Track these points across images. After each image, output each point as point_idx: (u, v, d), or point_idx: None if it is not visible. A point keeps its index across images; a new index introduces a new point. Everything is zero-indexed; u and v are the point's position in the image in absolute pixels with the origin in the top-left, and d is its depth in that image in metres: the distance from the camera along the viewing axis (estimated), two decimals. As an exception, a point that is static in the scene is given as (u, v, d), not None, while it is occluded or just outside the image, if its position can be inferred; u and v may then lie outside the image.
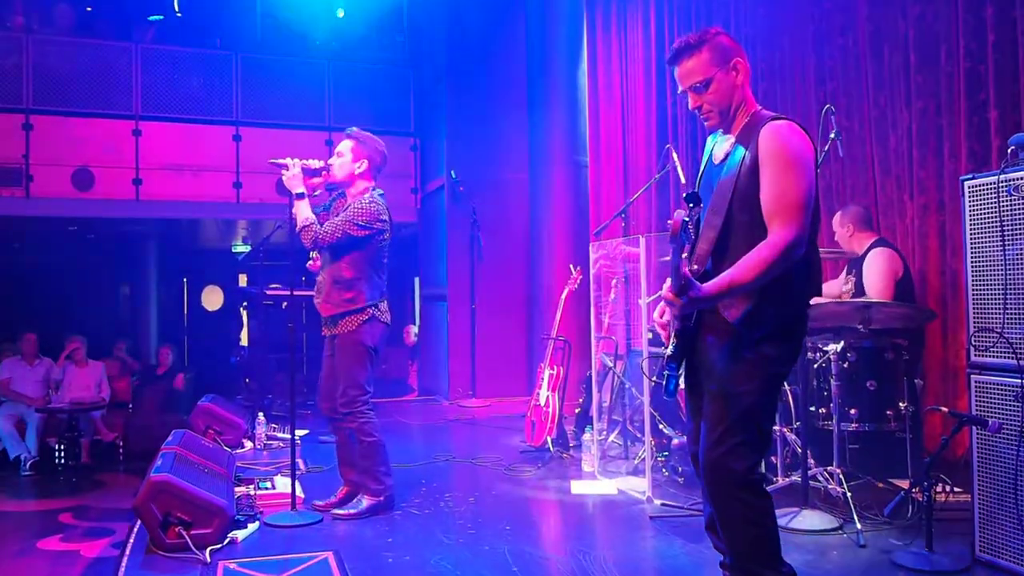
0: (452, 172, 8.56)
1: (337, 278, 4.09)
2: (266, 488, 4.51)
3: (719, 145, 2.57)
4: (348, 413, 4.10)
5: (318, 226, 4.05)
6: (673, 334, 2.47)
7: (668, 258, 2.27)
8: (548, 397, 5.47)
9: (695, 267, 2.41)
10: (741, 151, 2.42)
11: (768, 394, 2.42)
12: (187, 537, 3.53)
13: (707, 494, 2.47)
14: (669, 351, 2.44)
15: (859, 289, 4.52)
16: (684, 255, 2.22)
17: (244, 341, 11.47)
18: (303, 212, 4.08)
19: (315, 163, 4.20)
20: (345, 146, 4.22)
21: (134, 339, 11.15)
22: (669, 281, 2.31)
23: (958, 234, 4.68)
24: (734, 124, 2.50)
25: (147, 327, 11.90)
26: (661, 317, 2.55)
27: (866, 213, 4.78)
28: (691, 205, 2.30)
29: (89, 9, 10.23)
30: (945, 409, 3.44)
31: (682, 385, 2.53)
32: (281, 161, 4.15)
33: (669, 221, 2.20)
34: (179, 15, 10.68)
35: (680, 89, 2.52)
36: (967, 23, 4.52)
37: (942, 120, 4.75)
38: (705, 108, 2.49)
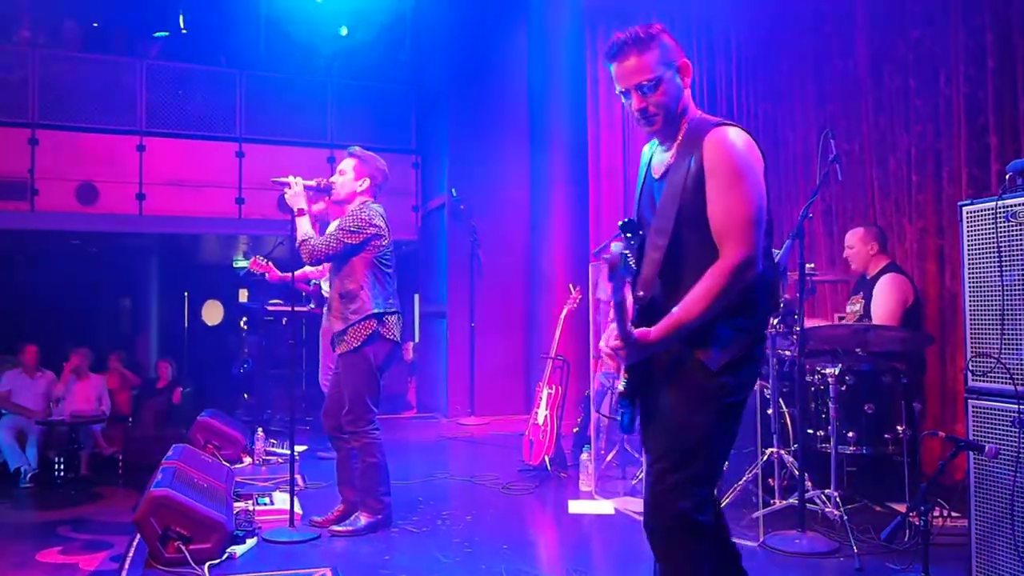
0: (453, 190, 8.60)
1: (342, 291, 4.12)
2: (264, 504, 4.52)
3: (657, 157, 2.36)
4: (354, 432, 4.12)
5: (315, 239, 4.09)
6: (624, 368, 2.23)
7: (604, 296, 2.14)
8: (546, 416, 5.48)
9: (640, 293, 2.23)
10: (685, 162, 2.20)
11: (724, 425, 2.20)
12: (186, 552, 3.54)
13: (647, 535, 2.22)
14: (621, 387, 2.22)
15: (867, 311, 4.53)
16: (628, 291, 2.03)
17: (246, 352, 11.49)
18: (303, 228, 4.12)
19: (315, 181, 4.24)
20: (347, 164, 4.27)
21: (134, 353, 11.16)
22: (614, 327, 2.08)
23: (957, 258, 4.70)
24: (676, 131, 2.27)
25: (147, 341, 11.91)
26: (607, 344, 2.24)
27: (885, 235, 4.77)
28: (628, 235, 2.05)
29: (96, 24, 10.31)
30: (942, 434, 3.44)
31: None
32: (283, 179, 4.18)
33: (605, 256, 1.97)
34: (184, 32, 10.76)
35: (620, 88, 2.26)
36: (967, 48, 4.56)
37: (941, 144, 4.79)
38: (651, 110, 2.24)
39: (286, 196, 4.18)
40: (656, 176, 2.32)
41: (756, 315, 2.21)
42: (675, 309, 2.10)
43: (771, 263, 2.25)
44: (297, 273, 4.47)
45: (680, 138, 2.25)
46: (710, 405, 2.16)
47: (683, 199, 2.17)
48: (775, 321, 3.97)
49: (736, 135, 2.19)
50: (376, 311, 4.10)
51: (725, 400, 2.17)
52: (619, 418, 2.24)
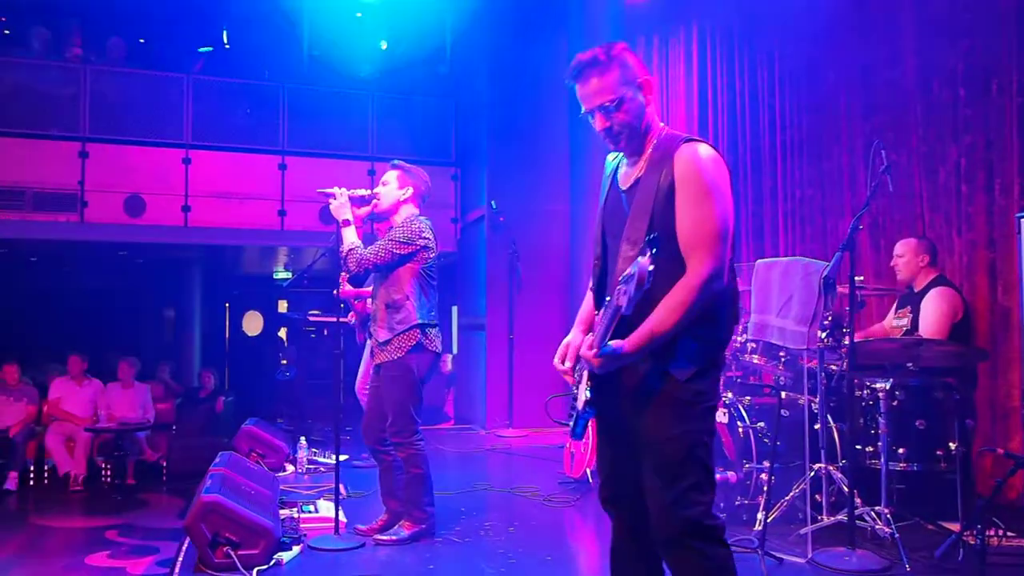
0: (492, 202, 8.63)
1: (388, 302, 4.15)
2: (309, 512, 4.55)
3: (624, 169, 2.40)
4: (399, 444, 4.13)
5: (362, 249, 4.12)
6: (586, 376, 2.26)
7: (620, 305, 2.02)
8: (588, 428, 5.45)
9: (609, 300, 2.19)
10: (655, 177, 2.25)
11: (707, 430, 2.26)
12: (235, 557, 3.58)
13: (660, 550, 2.28)
14: (587, 394, 2.25)
15: (915, 325, 4.45)
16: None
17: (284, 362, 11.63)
18: (349, 238, 4.15)
19: (362, 191, 4.28)
20: (391, 175, 4.31)
21: (177, 362, 11.33)
22: (574, 339, 2.14)
23: (1008, 271, 4.63)
24: (643, 146, 2.33)
25: (190, 350, 12.09)
26: (563, 363, 2.35)
27: (936, 248, 4.69)
28: (653, 250, 2.00)
29: (142, 41, 10.54)
30: (1001, 451, 3.37)
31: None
32: (329, 190, 4.22)
33: (631, 271, 1.97)
34: (228, 47, 10.96)
35: (584, 109, 2.33)
36: (1020, 57, 4.49)
37: (992, 155, 4.72)
38: (615, 129, 2.30)
39: (331, 207, 4.20)
40: (623, 188, 2.37)
41: (719, 325, 2.27)
42: (646, 322, 2.15)
43: (733, 275, 2.31)
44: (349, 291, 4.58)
45: (648, 153, 2.32)
46: (689, 414, 2.21)
47: (654, 212, 2.23)
48: (823, 334, 3.92)
49: (705, 151, 2.25)
50: (421, 322, 4.14)
51: (702, 407, 2.23)
52: (572, 425, 2.30)
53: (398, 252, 4.09)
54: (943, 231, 5.04)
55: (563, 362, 2.36)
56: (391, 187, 4.27)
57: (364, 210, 4.30)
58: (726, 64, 6.99)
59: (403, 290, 4.12)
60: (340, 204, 4.17)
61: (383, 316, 4.17)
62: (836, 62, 5.87)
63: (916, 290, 4.56)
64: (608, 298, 2.15)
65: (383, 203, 4.27)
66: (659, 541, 2.24)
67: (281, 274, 13.07)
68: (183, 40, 10.48)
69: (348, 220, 4.17)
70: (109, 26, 9.96)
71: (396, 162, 4.38)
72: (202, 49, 10.66)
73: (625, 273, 2.00)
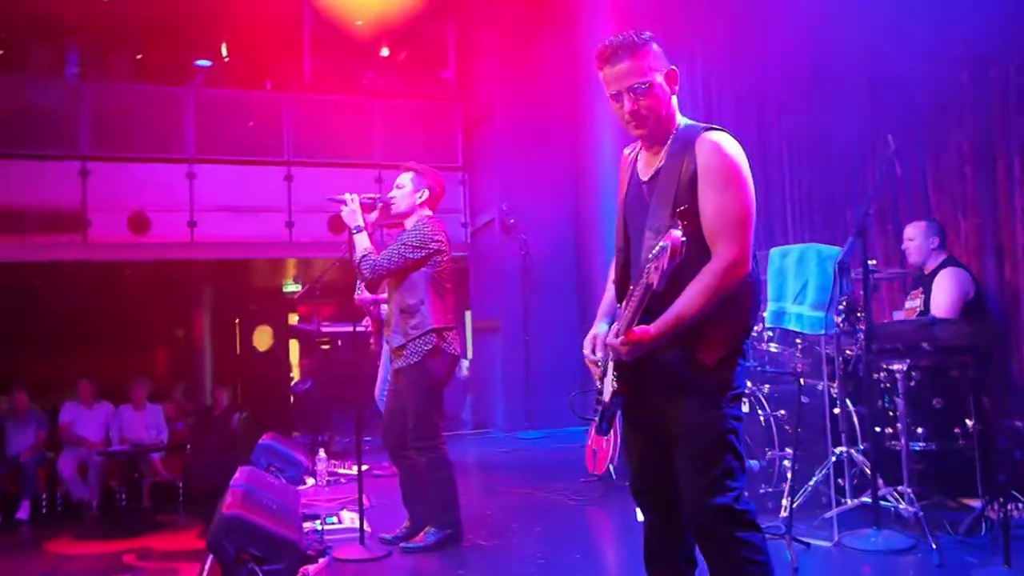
0: (503, 205, 8.61)
1: (403, 307, 4.13)
2: (332, 523, 4.54)
3: (644, 160, 2.42)
4: (421, 448, 4.09)
5: (375, 255, 4.11)
6: (612, 366, 2.26)
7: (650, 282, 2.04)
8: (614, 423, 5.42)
9: (632, 288, 2.25)
10: (677, 165, 2.28)
11: (735, 417, 2.27)
12: (260, 573, 3.55)
13: (694, 536, 2.31)
14: (615, 385, 2.24)
15: (927, 306, 4.46)
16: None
17: (296, 376, 11.63)
18: (362, 244, 4.12)
19: (372, 195, 4.26)
20: (405, 178, 4.27)
21: (189, 381, 11.31)
22: (616, 325, 2.19)
23: (1016, 251, 4.64)
24: (665, 135, 2.34)
25: (201, 369, 12.05)
26: (593, 352, 2.39)
27: (944, 230, 4.69)
28: (685, 223, 2.08)
29: (139, 56, 10.51)
30: (1021, 423, 3.38)
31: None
32: (339, 197, 4.21)
33: (664, 244, 1.98)
34: (227, 59, 10.94)
35: (612, 91, 2.31)
36: (1019, 41, 4.51)
37: (994, 137, 4.72)
38: (643, 113, 2.29)
39: (343, 213, 4.17)
40: (644, 179, 2.39)
41: (744, 312, 2.29)
42: (672, 307, 2.17)
43: (757, 263, 2.33)
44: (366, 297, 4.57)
45: (670, 142, 2.33)
46: (719, 400, 2.23)
47: (677, 199, 2.24)
48: (839, 319, 3.93)
49: (726, 139, 2.29)
50: (436, 326, 4.12)
51: (729, 393, 2.25)
52: (599, 420, 2.30)
53: (411, 256, 4.08)
54: (948, 213, 5.05)
55: (594, 352, 2.38)
56: (406, 189, 4.23)
57: (372, 215, 4.29)
58: (731, 67, 6.98)
59: (417, 294, 4.11)
60: (352, 210, 4.13)
61: (398, 321, 4.15)
62: (839, 45, 5.86)
63: (927, 272, 4.57)
64: (632, 287, 2.18)
65: (398, 206, 4.24)
66: (692, 528, 2.27)
67: (291, 287, 13.05)
68: (182, 54, 10.46)
69: (360, 226, 4.14)
70: (106, 42, 9.96)
71: (409, 164, 4.36)
72: (200, 62, 10.62)
73: (655, 249, 2.02)
